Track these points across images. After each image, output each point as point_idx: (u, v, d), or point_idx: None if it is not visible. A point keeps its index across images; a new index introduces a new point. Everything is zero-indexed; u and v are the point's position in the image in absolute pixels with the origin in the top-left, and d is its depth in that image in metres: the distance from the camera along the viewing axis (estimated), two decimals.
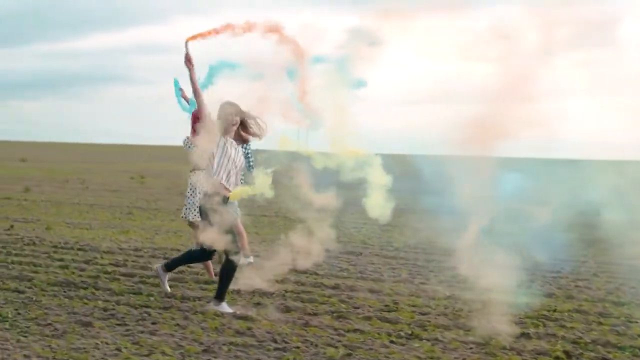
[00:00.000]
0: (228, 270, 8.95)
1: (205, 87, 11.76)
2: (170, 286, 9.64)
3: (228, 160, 8.96)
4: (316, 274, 11.42)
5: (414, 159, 10.86)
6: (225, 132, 9.08)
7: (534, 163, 10.46)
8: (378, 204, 10.50)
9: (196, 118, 10.99)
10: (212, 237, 8.74)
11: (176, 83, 12.65)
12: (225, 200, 8.86)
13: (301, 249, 9.59)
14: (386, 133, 13.23)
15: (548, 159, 10.23)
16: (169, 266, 9.43)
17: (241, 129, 9.25)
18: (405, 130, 13.88)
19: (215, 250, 9.17)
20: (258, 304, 9.29)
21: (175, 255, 11.15)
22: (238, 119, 9.13)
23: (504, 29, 8.40)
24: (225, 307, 8.89)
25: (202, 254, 9.20)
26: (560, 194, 10.78)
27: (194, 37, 9.35)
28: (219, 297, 8.94)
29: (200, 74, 10.93)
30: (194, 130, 11.00)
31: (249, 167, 11.60)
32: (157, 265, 9.63)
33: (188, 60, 9.03)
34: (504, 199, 11.12)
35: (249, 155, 12.25)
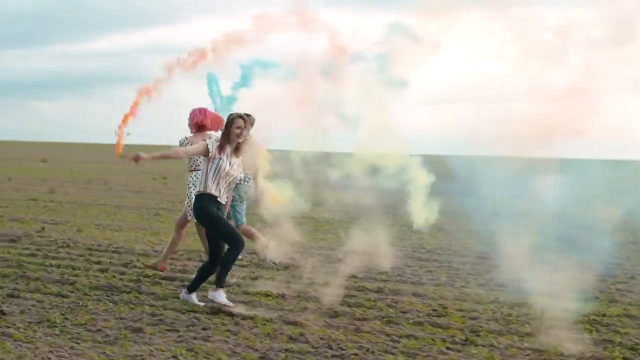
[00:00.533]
0: (228, 259, 8.96)
1: (242, 87, 11.54)
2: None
3: (219, 172, 8.86)
4: (355, 277, 11.19)
5: (448, 160, 10.67)
6: (230, 142, 8.99)
7: (583, 163, 10.23)
8: (422, 209, 10.29)
9: (196, 116, 10.83)
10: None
11: (210, 80, 12.45)
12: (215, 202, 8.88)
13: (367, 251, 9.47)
14: (420, 133, 12.99)
15: (604, 159, 10.02)
16: (191, 288, 9.22)
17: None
18: (441, 129, 13.65)
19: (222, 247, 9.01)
20: (305, 308, 9.07)
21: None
22: (245, 136, 9.03)
23: (560, 26, 8.20)
24: (221, 296, 8.90)
25: (212, 261, 9.05)
26: (603, 195, 10.56)
27: (123, 123, 10.13)
28: (218, 283, 8.96)
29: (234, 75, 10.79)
30: (196, 127, 10.79)
31: (245, 179, 11.22)
32: (181, 294, 9.34)
33: (137, 159, 8.86)
34: (547, 201, 10.91)
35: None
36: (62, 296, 9.29)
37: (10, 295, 9.14)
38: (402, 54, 9.80)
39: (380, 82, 9.96)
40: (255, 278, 10.80)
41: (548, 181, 11.37)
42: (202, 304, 8.94)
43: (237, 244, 8.89)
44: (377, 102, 10.22)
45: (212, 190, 8.83)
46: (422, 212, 10.38)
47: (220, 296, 8.88)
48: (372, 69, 10.06)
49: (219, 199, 8.89)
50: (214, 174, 8.82)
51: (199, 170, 10.33)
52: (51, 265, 11.19)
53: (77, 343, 7.30)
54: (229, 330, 7.94)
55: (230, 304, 8.87)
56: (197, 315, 8.54)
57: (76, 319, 8.16)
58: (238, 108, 11.08)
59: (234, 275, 10.43)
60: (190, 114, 10.98)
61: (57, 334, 7.61)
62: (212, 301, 8.89)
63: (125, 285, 9.91)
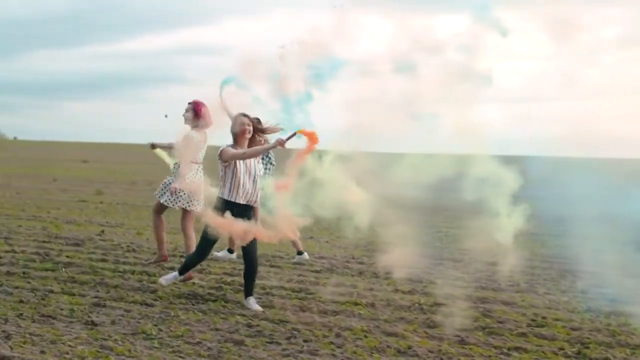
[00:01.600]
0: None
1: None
2: (306, 305, 9.04)
3: (239, 177, 8.84)
4: (433, 282, 10.77)
5: (521, 161, 10.24)
6: (238, 144, 8.89)
7: None
8: (508, 219, 9.78)
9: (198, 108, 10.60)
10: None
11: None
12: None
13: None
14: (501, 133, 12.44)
15: None
16: (181, 271, 9.51)
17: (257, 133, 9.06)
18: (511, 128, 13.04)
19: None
20: (401, 318, 8.64)
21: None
22: (251, 129, 8.94)
23: None
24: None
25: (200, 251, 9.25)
26: None
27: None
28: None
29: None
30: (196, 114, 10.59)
31: (267, 170, 11.45)
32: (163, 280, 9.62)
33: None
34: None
35: (271, 159, 11.95)
36: (148, 305, 8.91)
37: (97, 305, 8.77)
38: (487, 47, 9.28)
39: (462, 76, 9.45)
40: (338, 285, 10.37)
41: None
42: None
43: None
44: (459, 98, 9.74)
45: (228, 196, 8.84)
46: (508, 222, 9.86)
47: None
48: (454, 61, 9.56)
49: (237, 202, 8.82)
50: (231, 180, 8.82)
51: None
52: (125, 272, 10.82)
53: (182, 357, 6.92)
54: (332, 343, 7.53)
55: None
56: (294, 326, 8.11)
57: (171, 330, 7.77)
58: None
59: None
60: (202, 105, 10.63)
61: (156, 347, 7.23)
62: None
63: (209, 293, 9.52)
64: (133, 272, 10.82)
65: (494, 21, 8.89)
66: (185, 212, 10.76)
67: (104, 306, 8.74)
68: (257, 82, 10.08)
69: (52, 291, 9.47)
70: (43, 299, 8.96)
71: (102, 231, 15.47)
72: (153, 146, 11.56)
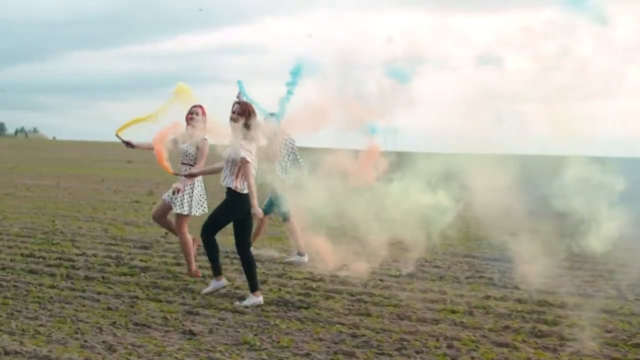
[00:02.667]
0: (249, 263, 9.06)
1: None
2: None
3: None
4: (517, 288, 10.29)
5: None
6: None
7: None
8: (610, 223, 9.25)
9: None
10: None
11: (241, 86, 11.70)
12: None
13: None
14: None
15: None
16: (215, 272, 9.40)
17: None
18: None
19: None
20: (506, 327, 8.17)
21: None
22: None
23: None
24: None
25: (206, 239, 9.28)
26: None
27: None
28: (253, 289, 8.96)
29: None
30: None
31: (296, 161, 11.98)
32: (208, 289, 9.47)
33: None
34: None
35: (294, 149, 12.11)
36: (239, 312, 8.52)
37: (189, 313, 8.39)
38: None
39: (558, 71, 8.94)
40: (426, 291, 9.93)
41: None
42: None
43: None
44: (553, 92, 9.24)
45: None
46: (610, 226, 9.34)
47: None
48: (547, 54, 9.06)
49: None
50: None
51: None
52: (204, 276, 10.41)
53: None
54: (446, 355, 7.13)
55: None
56: (400, 335, 7.69)
57: (274, 341, 7.36)
58: None
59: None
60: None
61: (264, 359, 6.79)
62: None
63: (299, 300, 9.12)
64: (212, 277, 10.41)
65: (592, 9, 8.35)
66: (180, 216, 10.44)
67: (197, 314, 8.37)
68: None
69: (137, 297, 9.12)
70: (132, 306, 8.61)
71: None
72: (129, 144, 10.59)
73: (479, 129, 9.68)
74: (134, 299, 8.99)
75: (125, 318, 8.08)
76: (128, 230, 15.62)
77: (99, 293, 9.29)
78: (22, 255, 11.89)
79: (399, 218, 9.47)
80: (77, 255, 11.95)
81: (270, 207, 12.16)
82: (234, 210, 8.87)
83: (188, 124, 10.35)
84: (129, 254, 12.32)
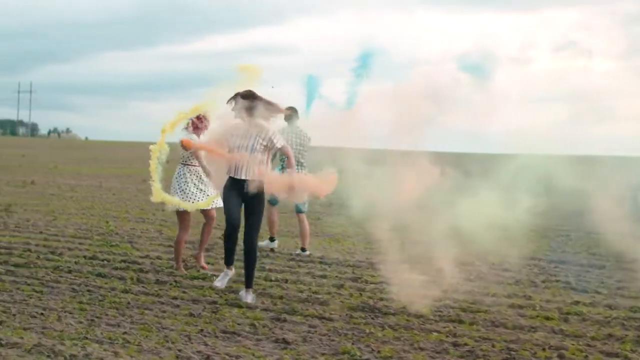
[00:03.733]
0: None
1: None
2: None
3: None
4: (598, 292, 9.79)
5: None
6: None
7: None
8: None
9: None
10: None
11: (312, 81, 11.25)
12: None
13: None
14: None
15: None
16: (227, 262, 9.32)
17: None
18: None
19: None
20: (609, 335, 7.67)
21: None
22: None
23: None
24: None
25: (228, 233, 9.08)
26: None
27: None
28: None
29: None
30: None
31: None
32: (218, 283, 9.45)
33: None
34: None
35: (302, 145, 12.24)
36: (326, 319, 8.12)
37: (277, 319, 7.97)
38: None
39: None
40: (510, 296, 9.43)
41: None
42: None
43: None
44: None
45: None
46: None
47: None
48: None
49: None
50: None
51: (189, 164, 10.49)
52: (277, 280, 10.02)
53: None
54: None
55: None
56: (501, 344, 7.21)
57: (373, 350, 6.92)
58: None
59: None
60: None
61: None
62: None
63: (385, 306, 8.65)
64: (286, 281, 10.00)
65: None
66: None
67: (285, 321, 7.94)
68: None
69: (215, 302, 8.72)
70: (214, 312, 8.19)
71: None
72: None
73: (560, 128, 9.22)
74: (214, 304, 8.58)
75: (212, 325, 7.67)
76: None
77: (175, 298, 8.89)
78: (84, 257, 11.53)
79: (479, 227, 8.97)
80: (141, 257, 11.55)
81: (276, 198, 11.94)
82: None
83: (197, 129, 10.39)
84: (192, 256, 11.92)
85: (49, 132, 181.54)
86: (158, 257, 11.61)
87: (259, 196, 8.71)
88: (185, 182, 10.43)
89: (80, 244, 13.03)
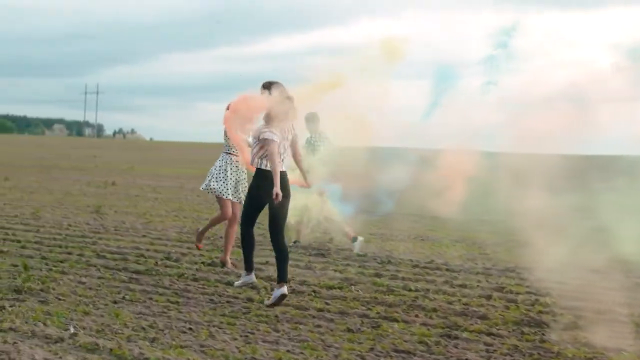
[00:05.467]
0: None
1: None
2: None
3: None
4: None
5: None
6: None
7: None
8: None
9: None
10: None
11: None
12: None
13: None
14: None
15: None
16: (247, 268, 8.87)
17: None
18: None
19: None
20: None
21: None
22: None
23: None
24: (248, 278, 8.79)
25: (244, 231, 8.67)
26: None
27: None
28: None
29: None
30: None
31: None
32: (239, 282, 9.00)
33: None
34: None
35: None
36: (495, 335, 7.36)
37: (447, 336, 7.23)
38: None
39: None
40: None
41: None
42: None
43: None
44: None
45: None
46: None
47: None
48: None
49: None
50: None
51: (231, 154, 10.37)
52: (419, 290, 9.25)
53: None
54: None
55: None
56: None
57: None
58: None
59: None
60: None
61: None
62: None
63: (553, 320, 7.80)
64: (428, 290, 9.26)
65: None
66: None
67: (456, 338, 7.17)
68: None
69: (366, 316, 7.99)
70: (375, 328, 7.46)
71: (331, 239, 13.93)
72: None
73: None
74: (367, 318, 7.85)
75: (379, 343, 6.96)
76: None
77: (321, 310, 8.17)
78: (203, 263, 10.92)
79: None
80: (261, 264, 10.89)
81: None
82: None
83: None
84: (309, 261, 11.25)
85: (114, 133, 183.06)
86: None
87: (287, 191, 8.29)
88: (225, 171, 10.39)
89: (189, 248, 12.43)
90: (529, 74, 8.86)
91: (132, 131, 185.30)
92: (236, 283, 9.09)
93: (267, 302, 8.34)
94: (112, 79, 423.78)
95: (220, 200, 10.49)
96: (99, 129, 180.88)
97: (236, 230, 10.38)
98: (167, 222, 16.18)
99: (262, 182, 8.25)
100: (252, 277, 8.93)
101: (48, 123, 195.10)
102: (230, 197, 10.45)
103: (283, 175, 8.25)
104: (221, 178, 10.41)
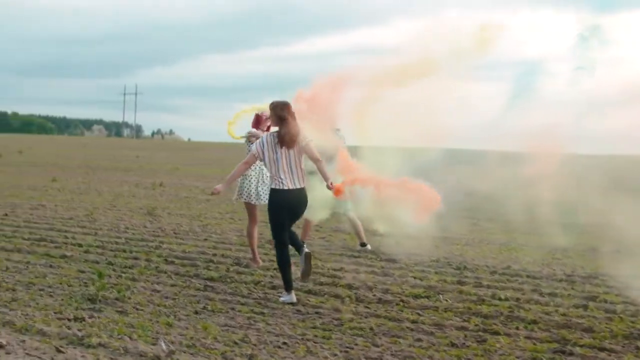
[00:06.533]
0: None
1: None
2: None
3: None
4: None
5: None
6: None
7: None
8: None
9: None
10: None
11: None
12: None
13: None
14: None
15: None
16: (287, 287, 8.58)
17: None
18: None
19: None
20: None
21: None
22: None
23: None
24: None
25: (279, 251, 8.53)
26: None
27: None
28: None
29: None
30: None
31: None
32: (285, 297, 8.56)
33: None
34: None
35: None
36: (607, 350, 6.84)
37: (561, 352, 6.68)
38: None
39: None
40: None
41: None
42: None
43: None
44: None
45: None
46: None
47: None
48: None
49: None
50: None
51: None
52: (503, 298, 8.74)
53: None
54: None
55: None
56: None
57: None
58: None
59: None
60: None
61: None
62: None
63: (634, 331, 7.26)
64: (506, 299, 8.73)
65: None
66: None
67: (571, 354, 6.68)
68: None
69: (465, 328, 7.50)
70: (480, 342, 6.98)
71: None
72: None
73: None
74: (467, 331, 7.36)
75: (488, 359, 6.43)
76: (341, 237, 14.07)
77: (415, 322, 7.69)
78: (275, 269, 10.46)
79: None
80: (335, 270, 10.43)
81: None
82: None
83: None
84: (382, 267, 10.78)
85: (153, 134, 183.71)
86: (355, 270, 10.47)
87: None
88: (249, 177, 10.41)
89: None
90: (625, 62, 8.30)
91: (171, 132, 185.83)
92: (281, 299, 8.72)
93: (299, 274, 8.61)
94: (150, 79, 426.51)
95: (248, 205, 10.63)
96: (137, 130, 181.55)
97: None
98: (224, 225, 15.79)
99: (271, 198, 8.42)
100: (293, 297, 8.57)
101: (87, 124, 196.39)
102: (253, 201, 10.54)
103: (297, 191, 8.28)
104: (244, 188, 10.53)
